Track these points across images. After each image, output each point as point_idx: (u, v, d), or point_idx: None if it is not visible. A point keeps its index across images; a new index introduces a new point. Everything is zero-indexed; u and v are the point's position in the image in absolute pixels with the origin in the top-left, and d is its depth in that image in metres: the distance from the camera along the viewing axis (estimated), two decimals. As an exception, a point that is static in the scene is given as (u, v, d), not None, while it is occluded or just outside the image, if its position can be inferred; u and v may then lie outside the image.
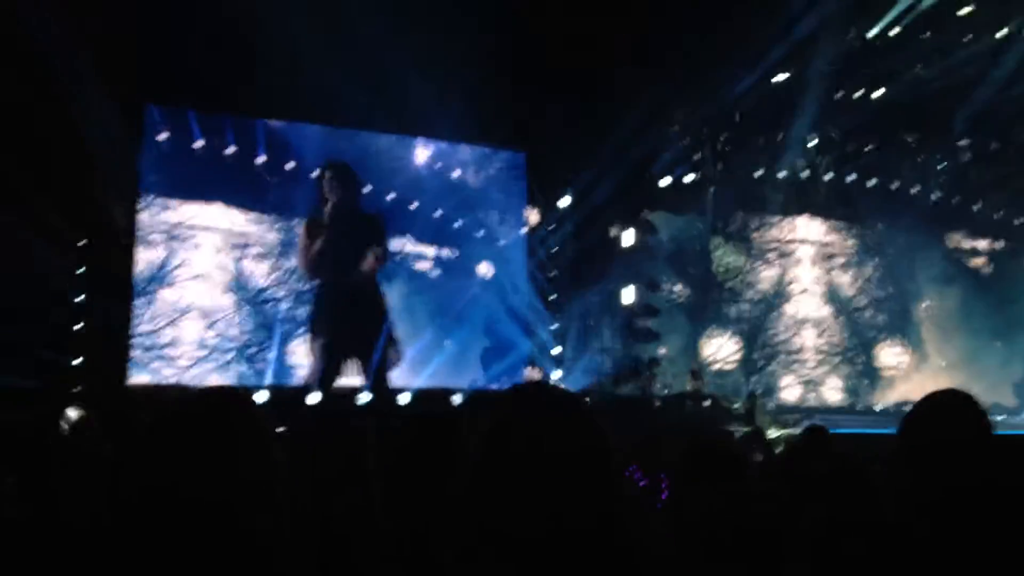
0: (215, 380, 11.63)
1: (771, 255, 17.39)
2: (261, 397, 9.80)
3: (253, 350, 12.07)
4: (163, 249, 12.04)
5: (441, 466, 2.07)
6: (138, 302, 11.66)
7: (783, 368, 16.90)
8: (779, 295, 17.24)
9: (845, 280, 17.88)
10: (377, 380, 10.28)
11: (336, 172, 10.60)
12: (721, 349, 16.55)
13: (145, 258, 11.87)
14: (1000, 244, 18.65)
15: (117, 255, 11.16)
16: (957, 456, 2.01)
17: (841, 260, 17.96)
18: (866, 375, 17.43)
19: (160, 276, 11.95)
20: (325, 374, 10.04)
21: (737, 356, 16.68)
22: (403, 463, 2.18)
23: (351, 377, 10.96)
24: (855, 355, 17.46)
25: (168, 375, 11.64)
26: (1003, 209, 18.56)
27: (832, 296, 17.66)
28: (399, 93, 11.67)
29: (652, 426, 11.35)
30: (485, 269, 13.96)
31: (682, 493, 2.34)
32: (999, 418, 15.24)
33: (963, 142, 17.79)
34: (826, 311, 17.53)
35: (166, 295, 11.98)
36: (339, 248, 10.21)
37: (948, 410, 2.09)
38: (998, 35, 15.53)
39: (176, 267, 12.09)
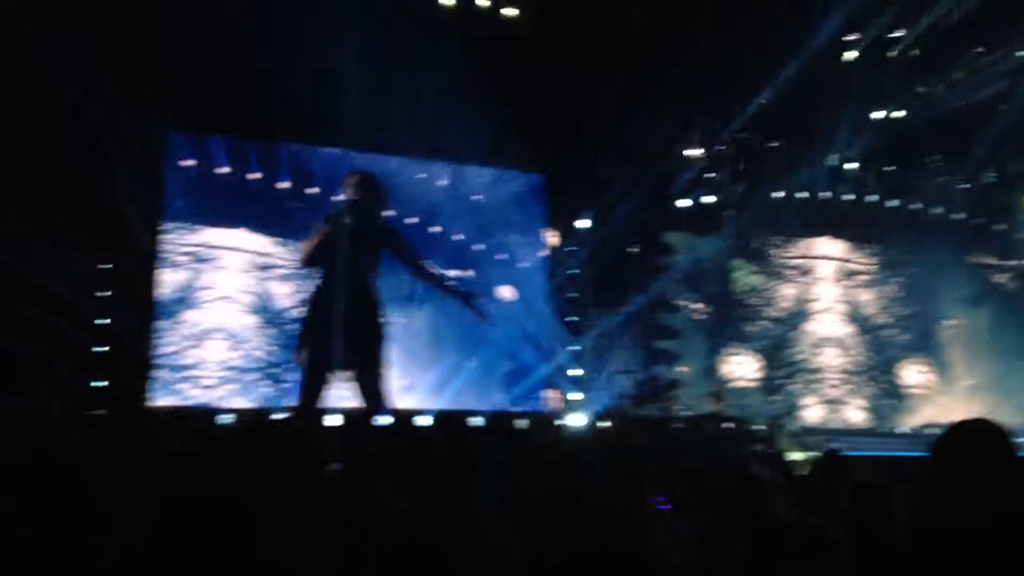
0: (239, 403, 11.71)
1: (791, 273, 17.35)
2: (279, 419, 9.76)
3: (277, 370, 12.16)
4: (187, 271, 12.19)
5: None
6: (163, 323, 11.79)
7: (804, 388, 16.80)
8: (800, 314, 17.17)
9: (867, 298, 17.78)
10: (381, 400, 10.14)
11: (360, 177, 10.55)
12: (740, 367, 16.50)
13: (170, 280, 12.02)
14: (1021, 265, 18.48)
15: (141, 278, 11.28)
16: (986, 487, 2.00)
17: (863, 278, 17.88)
18: (890, 395, 17.28)
19: (185, 298, 12.08)
20: (313, 391, 9.85)
21: (757, 375, 16.62)
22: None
23: (342, 393, 10.82)
24: (878, 374, 17.34)
25: (194, 396, 11.74)
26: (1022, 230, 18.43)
27: (854, 315, 17.57)
28: (420, 116, 11.78)
29: (672, 449, 11.30)
30: (506, 292, 13.99)
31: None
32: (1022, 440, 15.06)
33: (985, 163, 17.72)
34: (848, 330, 17.43)
35: (191, 316, 12.11)
36: (344, 247, 9.97)
37: (977, 440, 2.09)
38: (1019, 54, 15.50)
39: (201, 289, 12.22)
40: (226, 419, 8.91)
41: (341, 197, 10.54)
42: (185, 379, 11.83)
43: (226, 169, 12.40)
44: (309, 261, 10.24)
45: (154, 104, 10.86)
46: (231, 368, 12.13)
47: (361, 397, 10.04)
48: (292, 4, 10.81)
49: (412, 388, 12.84)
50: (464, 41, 11.85)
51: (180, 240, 12.17)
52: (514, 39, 12.59)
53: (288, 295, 12.61)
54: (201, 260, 12.35)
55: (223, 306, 12.31)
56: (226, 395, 11.84)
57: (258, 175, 12.56)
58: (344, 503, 1.87)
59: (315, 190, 12.77)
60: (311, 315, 10.08)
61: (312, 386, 9.75)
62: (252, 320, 12.45)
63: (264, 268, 12.64)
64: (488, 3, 12.78)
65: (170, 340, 11.86)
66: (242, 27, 10.63)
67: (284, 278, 12.66)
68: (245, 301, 12.46)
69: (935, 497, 2.06)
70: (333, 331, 9.75)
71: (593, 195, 14.39)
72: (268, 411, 10.09)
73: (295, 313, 12.27)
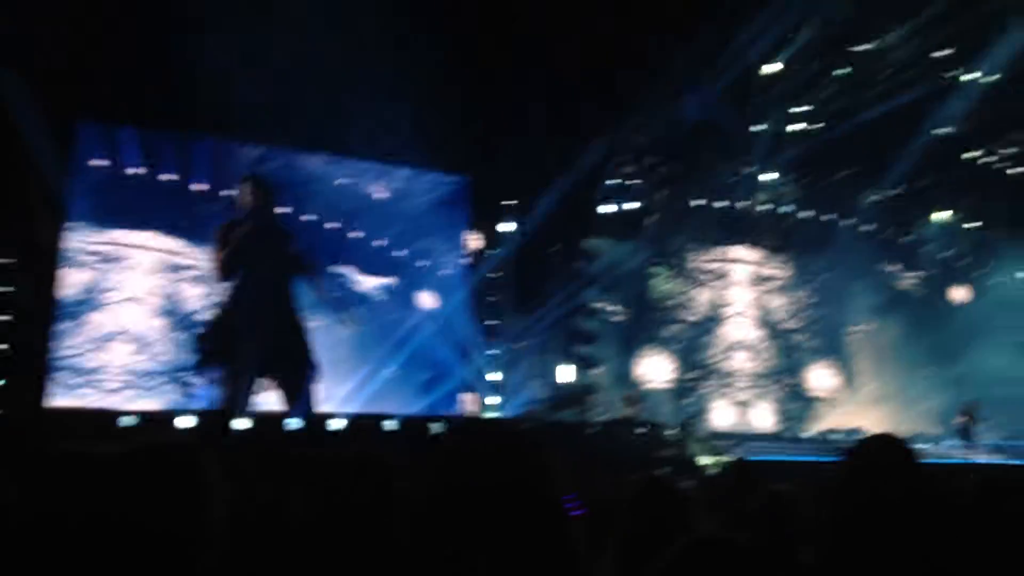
0: (143, 405, 11.37)
1: (706, 278, 17.69)
2: (185, 423, 9.51)
3: (185, 374, 11.84)
4: (93, 271, 11.77)
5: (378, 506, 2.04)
6: (66, 324, 11.37)
7: (716, 391, 17.14)
8: (714, 318, 17.53)
9: (778, 304, 18.24)
10: (302, 403, 9.94)
11: (256, 181, 10.34)
12: (654, 369, 16.76)
13: (75, 280, 11.59)
14: (927, 276, 19.18)
15: (45, 276, 10.85)
16: (890, 506, 2.05)
17: (776, 284, 18.33)
18: (797, 399, 17.75)
19: (89, 299, 11.67)
20: (240, 395, 9.62)
21: (671, 376, 16.90)
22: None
23: (266, 399, 10.65)
24: (787, 378, 17.80)
25: (94, 400, 11.34)
26: (930, 243, 19.15)
27: (765, 320, 18.00)
28: (342, 114, 11.63)
29: (587, 453, 11.38)
30: (426, 299, 13.92)
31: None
32: (924, 447, 15.63)
33: (894, 177, 18.36)
34: (759, 334, 17.84)
35: (96, 318, 11.70)
36: (254, 254, 9.77)
37: (881, 455, 2.13)
38: (927, 75, 16.10)
39: (107, 290, 11.83)
40: (128, 421, 8.63)
41: (237, 197, 10.29)
42: (88, 383, 11.42)
43: (138, 168, 12.00)
44: (229, 272, 9.94)
45: (62, 93, 10.43)
46: (135, 373, 11.76)
47: (284, 402, 9.86)
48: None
49: (328, 393, 12.66)
50: (388, 39, 11.74)
51: (86, 239, 11.73)
52: (439, 38, 12.53)
53: (200, 297, 12.28)
54: (108, 260, 11.94)
55: (130, 308, 11.92)
56: (131, 397, 11.48)
57: (172, 175, 12.19)
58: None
59: (232, 192, 12.48)
60: (227, 321, 9.82)
61: (233, 392, 9.52)
62: (160, 323, 12.09)
63: (175, 269, 12.29)
64: (413, 4, 12.68)
65: (72, 342, 11.43)
66: (158, 16, 10.34)
67: (196, 280, 12.34)
68: (153, 303, 12.10)
69: (842, 517, 2.09)
70: (254, 336, 9.55)
71: (516, 198, 14.42)
72: (173, 414, 9.78)
73: (207, 316, 12.02)
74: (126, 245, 12.06)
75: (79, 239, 11.66)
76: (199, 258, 12.30)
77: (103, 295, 11.79)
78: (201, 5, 9.92)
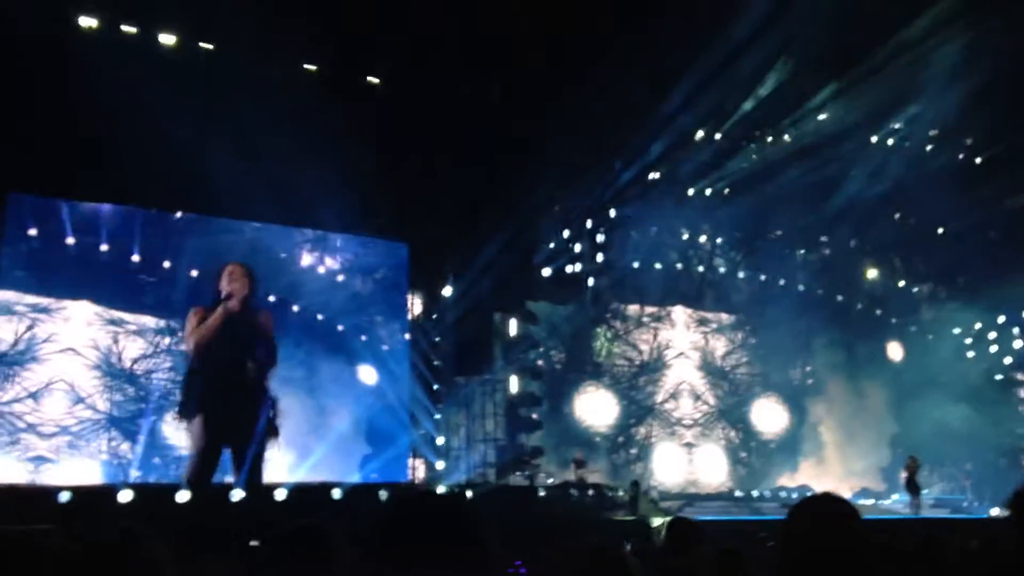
0: (77, 465, 11.07)
1: (646, 340, 17.86)
2: (125, 497, 9.22)
3: (117, 432, 11.58)
4: (28, 320, 11.51)
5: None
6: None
7: (662, 433, 17.21)
8: (656, 373, 17.68)
9: (720, 362, 18.47)
10: (252, 473, 9.80)
11: (247, 270, 10.43)
12: (597, 412, 16.90)
13: (8, 329, 11.33)
14: (862, 333, 19.53)
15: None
16: (833, 564, 2.07)
17: (717, 344, 18.58)
18: (747, 462, 17.88)
19: (24, 351, 11.39)
20: (205, 466, 9.51)
21: (613, 415, 17.04)
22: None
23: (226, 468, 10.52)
24: (733, 435, 17.95)
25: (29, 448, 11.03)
26: (861, 303, 19.60)
27: (708, 375, 18.18)
28: (283, 185, 11.59)
29: (537, 516, 11.28)
30: (367, 373, 13.78)
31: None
32: (868, 502, 15.84)
33: (824, 238, 18.89)
34: (701, 389, 18.01)
35: (30, 370, 11.42)
36: (229, 334, 9.83)
37: (823, 519, 2.15)
38: (856, 137, 16.72)
39: (43, 341, 11.55)
40: (66, 497, 8.33)
41: (225, 285, 10.33)
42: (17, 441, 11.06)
43: (72, 239, 11.81)
44: (204, 347, 9.95)
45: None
46: (68, 428, 11.43)
47: (237, 471, 9.76)
48: (151, 69, 10.53)
49: (275, 463, 12.40)
50: (326, 108, 11.82)
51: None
52: (375, 107, 12.65)
53: (139, 351, 12.07)
54: (43, 311, 11.66)
55: (66, 361, 11.66)
56: (64, 456, 11.13)
57: (106, 246, 12.01)
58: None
59: (168, 264, 12.31)
60: (196, 391, 9.80)
61: (207, 464, 9.47)
62: (95, 375, 11.83)
63: (113, 323, 12.08)
64: (349, 71, 12.83)
65: (6, 394, 11.14)
66: (96, 92, 10.26)
67: (135, 334, 12.12)
68: (90, 356, 11.83)
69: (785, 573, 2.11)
70: (221, 408, 9.54)
71: (456, 263, 14.47)
72: (114, 489, 9.47)
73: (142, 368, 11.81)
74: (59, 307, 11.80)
75: (11, 306, 11.38)
76: (138, 321, 12.09)
77: (38, 347, 11.50)
78: (140, 87, 9.93)
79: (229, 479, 9.88)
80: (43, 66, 10.12)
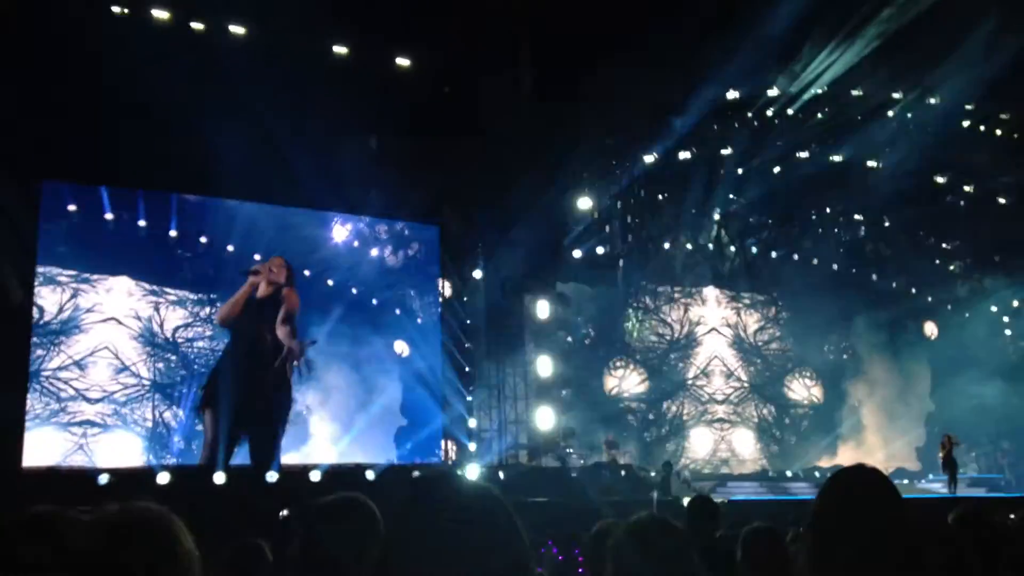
0: (122, 435, 11.29)
1: (680, 320, 17.81)
2: (164, 479, 9.40)
3: (160, 399, 11.81)
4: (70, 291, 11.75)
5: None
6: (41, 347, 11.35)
7: (694, 410, 17.21)
8: (688, 353, 17.67)
9: (754, 340, 18.37)
10: (274, 456, 10.03)
11: (285, 263, 10.70)
12: (624, 380, 16.90)
13: (53, 299, 11.59)
14: (896, 312, 19.28)
15: (11, 337, 10.66)
16: (869, 537, 2.03)
17: (750, 323, 18.47)
18: (781, 440, 17.81)
19: (70, 319, 11.61)
20: (223, 448, 9.70)
21: (644, 393, 17.04)
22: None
23: (244, 450, 10.67)
24: (767, 413, 17.89)
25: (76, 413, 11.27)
26: (896, 281, 19.35)
27: (741, 355, 18.10)
28: (316, 168, 11.64)
29: (569, 496, 11.33)
30: (401, 348, 13.85)
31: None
32: (904, 483, 15.72)
33: (858, 217, 18.65)
34: (735, 370, 17.94)
35: (74, 340, 11.68)
36: (255, 315, 10.05)
37: (859, 490, 2.10)
38: (889, 114, 16.49)
39: (86, 311, 11.77)
40: (105, 479, 8.52)
41: (264, 268, 10.55)
42: (63, 409, 11.29)
43: (111, 215, 11.97)
44: (225, 322, 10.26)
45: (26, 152, 10.33)
46: (113, 392, 11.67)
47: (254, 453, 9.93)
48: (188, 57, 10.60)
49: (308, 444, 12.57)
50: (359, 92, 11.85)
51: (55, 303, 11.65)
52: (408, 91, 12.65)
53: (180, 319, 12.27)
54: (86, 282, 11.87)
55: (108, 328, 11.91)
56: (105, 438, 11.34)
57: (144, 222, 12.17)
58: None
59: (204, 240, 12.44)
60: (219, 374, 10.06)
61: (216, 442, 9.69)
62: (138, 344, 12.06)
63: (153, 293, 12.30)
64: (382, 54, 12.84)
65: (48, 365, 11.37)
66: (129, 79, 10.36)
67: (175, 303, 12.34)
68: (132, 325, 12.05)
69: (820, 550, 2.08)
70: (239, 390, 9.75)
71: (488, 246, 14.48)
72: (152, 471, 9.66)
73: (183, 336, 11.98)
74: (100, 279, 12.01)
75: (51, 290, 11.59)
76: (177, 293, 12.29)
77: (82, 316, 11.71)
78: (179, 74, 10.01)
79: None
80: (76, 52, 10.20)
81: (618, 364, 16.93)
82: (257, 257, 12.17)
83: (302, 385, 12.31)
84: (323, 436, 12.70)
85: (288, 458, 11.56)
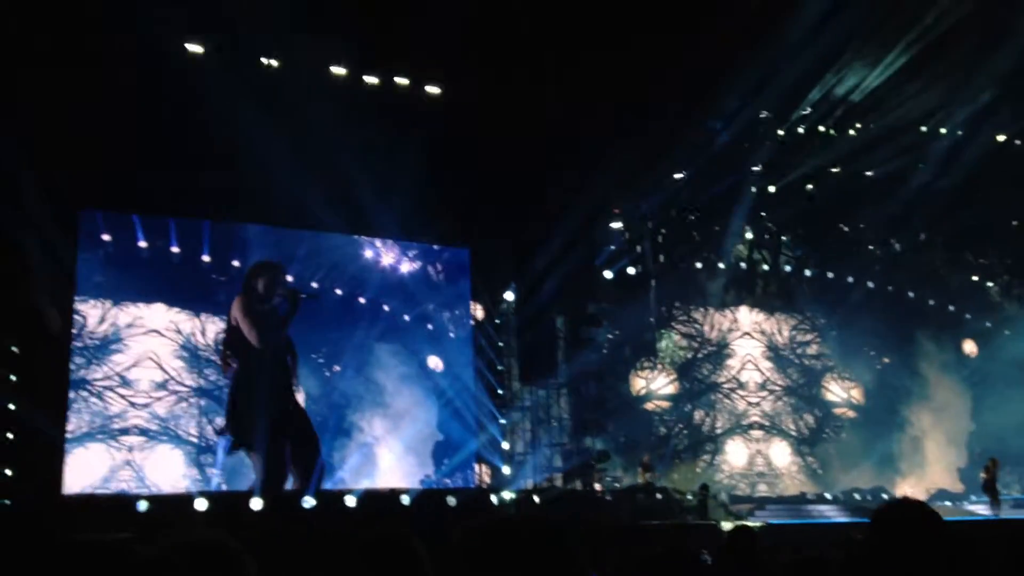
0: (166, 450, 11.44)
1: (713, 341, 17.66)
2: (201, 505, 9.43)
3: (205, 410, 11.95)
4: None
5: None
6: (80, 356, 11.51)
7: (728, 425, 17.04)
8: (720, 356, 17.59)
9: (788, 362, 18.16)
10: (312, 479, 10.03)
11: (280, 268, 10.69)
12: (653, 382, 16.76)
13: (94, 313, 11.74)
14: (935, 330, 18.96)
15: (51, 361, 10.78)
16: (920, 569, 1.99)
17: (782, 343, 18.27)
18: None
19: (109, 339, 11.78)
20: (275, 477, 9.75)
21: (670, 389, 16.87)
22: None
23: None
24: (806, 434, 17.68)
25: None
26: (934, 299, 19.05)
27: (777, 377, 17.89)
28: (345, 193, 11.73)
29: (604, 520, 11.21)
30: (435, 363, 13.88)
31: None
32: (946, 504, 15.41)
33: (894, 234, 18.40)
34: (772, 392, 17.73)
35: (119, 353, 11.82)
36: (278, 331, 10.20)
37: (908, 527, 2.07)
38: (923, 129, 16.27)
39: (127, 326, 11.91)
40: (144, 506, 8.55)
41: (258, 281, 10.61)
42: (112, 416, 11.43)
43: (144, 243, 12.16)
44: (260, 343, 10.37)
45: (63, 183, 10.47)
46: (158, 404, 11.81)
47: (294, 478, 9.93)
48: (217, 85, 10.72)
49: (340, 464, 12.59)
50: (388, 119, 11.91)
51: (96, 318, 11.84)
52: (437, 118, 12.69)
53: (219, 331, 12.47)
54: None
55: (150, 339, 12.11)
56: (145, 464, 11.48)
57: (177, 248, 12.36)
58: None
59: (236, 263, 12.57)
60: (237, 395, 10.06)
61: (277, 474, 9.79)
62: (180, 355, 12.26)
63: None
64: (409, 82, 12.90)
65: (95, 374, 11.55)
66: (162, 108, 10.52)
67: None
68: (173, 338, 12.26)
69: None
70: (262, 412, 9.78)
71: (518, 268, 14.46)
72: (190, 497, 9.67)
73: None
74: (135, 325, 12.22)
75: (89, 318, 11.78)
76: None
77: (124, 330, 11.97)
78: (212, 102, 10.14)
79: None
80: (111, 85, 10.36)
81: (652, 382, 16.78)
82: (290, 279, 12.27)
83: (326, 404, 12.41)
84: (356, 460, 12.74)
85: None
